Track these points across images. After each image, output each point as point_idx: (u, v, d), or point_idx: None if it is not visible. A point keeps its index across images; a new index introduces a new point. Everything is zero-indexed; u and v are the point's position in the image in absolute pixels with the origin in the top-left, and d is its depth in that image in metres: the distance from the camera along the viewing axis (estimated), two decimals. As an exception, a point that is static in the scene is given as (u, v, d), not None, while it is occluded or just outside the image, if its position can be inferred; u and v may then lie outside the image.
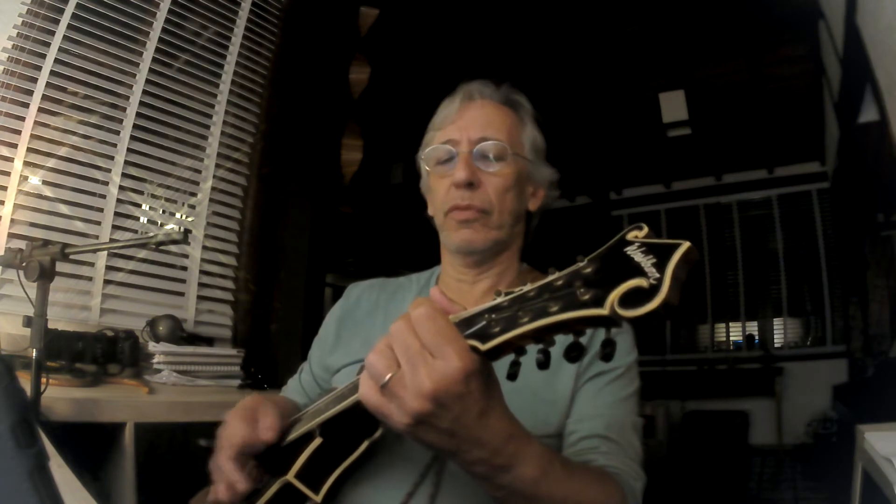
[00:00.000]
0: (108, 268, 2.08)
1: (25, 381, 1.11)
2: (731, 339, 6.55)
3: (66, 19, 2.03)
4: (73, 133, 2.04)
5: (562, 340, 0.48)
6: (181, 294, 2.30)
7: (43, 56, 1.99)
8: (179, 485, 0.93)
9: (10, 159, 1.90)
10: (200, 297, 2.34)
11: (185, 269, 2.33)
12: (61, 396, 1.41)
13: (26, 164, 1.93)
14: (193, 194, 2.37)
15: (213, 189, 2.42)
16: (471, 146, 0.88)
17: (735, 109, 5.23)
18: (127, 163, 2.16)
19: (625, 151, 6.16)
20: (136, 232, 2.18)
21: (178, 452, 1.63)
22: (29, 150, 1.93)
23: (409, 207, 1.09)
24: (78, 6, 2.05)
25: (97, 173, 2.10)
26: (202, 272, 2.35)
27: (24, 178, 1.93)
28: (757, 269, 6.46)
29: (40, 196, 1.96)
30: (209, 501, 0.74)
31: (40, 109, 1.96)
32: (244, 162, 2.55)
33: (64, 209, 2.01)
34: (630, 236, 0.45)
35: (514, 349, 0.51)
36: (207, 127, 2.42)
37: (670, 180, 6.82)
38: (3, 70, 1.91)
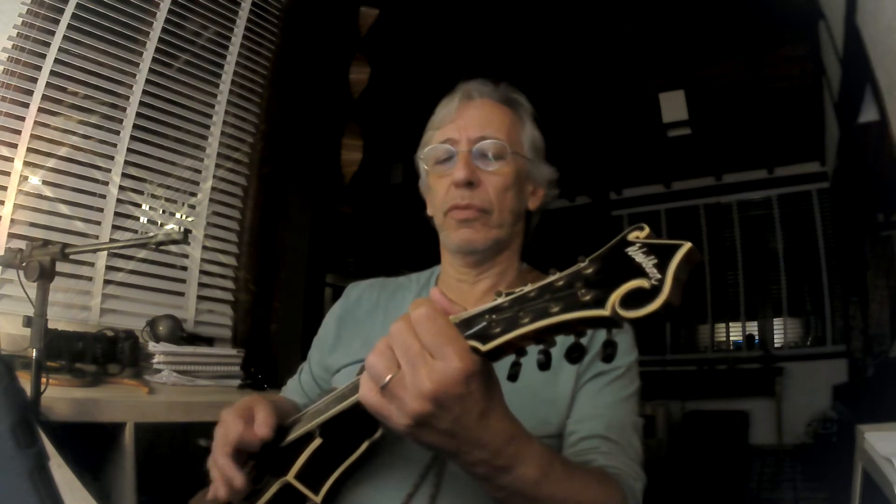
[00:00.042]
0: (108, 268, 2.08)
1: (25, 381, 1.11)
2: (731, 339, 6.55)
3: (66, 19, 2.03)
4: (73, 133, 2.04)
5: (562, 341, 0.48)
6: (181, 294, 2.30)
7: (43, 56, 1.99)
8: (179, 485, 0.92)
9: (10, 159, 1.90)
10: (200, 297, 2.34)
11: (185, 269, 2.33)
12: (61, 396, 1.41)
13: (26, 164, 1.93)
14: (193, 194, 2.37)
15: (213, 189, 2.42)
16: (470, 145, 0.88)
17: (735, 109, 5.23)
18: (127, 163, 2.16)
19: (625, 151, 6.16)
20: (136, 232, 2.18)
21: (178, 452, 1.64)
22: (29, 150, 1.93)
23: (409, 207, 1.09)
24: (78, 6, 2.05)
25: (97, 173, 2.10)
26: (202, 272, 2.35)
27: (24, 178, 1.93)
28: (757, 269, 6.46)
29: (40, 196, 1.96)
30: (208, 500, 0.74)
31: (40, 109, 1.96)
32: (244, 162, 2.55)
33: (64, 209, 2.01)
34: (631, 237, 0.45)
35: (515, 350, 0.50)
36: (207, 127, 2.42)
37: (670, 180, 6.82)
38: (3, 70, 1.91)
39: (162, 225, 2.35)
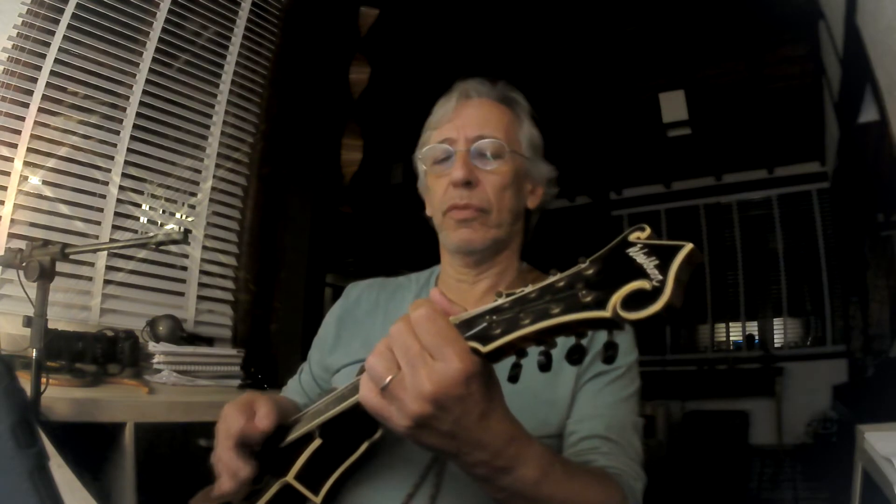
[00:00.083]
0: (108, 268, 2.08)
1: (25, 381, 1.11)
2: (731, 339, 6.55)
3: (66, 19, 2.03)
4: (73, 133, 2.04)
5: (563, 342, 0.48)
6: (181, 294, 2.30)
7: (43, 56, 1.98)
8: (179, 485, 0.92)
9: (10, 159, 1.90)
10: (200, 297, 2.34)
11: (185, 269, 2.33)
12: (61, 396, 1.41)
13: (26, 164, 1.93)
14: (193, 194, 2.37)
15: (213, 189, 2.42)
16: (468, 145, 0.88)
17: (735, 109, 5.23)
18: (127, 163, 2.16)
19: (625, 151, 6.16)
20: (136, 232, 2.17)
21: (178, 452, 1.64)
22: (29, 150, 1.93)
23: (409, 207, 1.09)
24: (78, 6, 2.05)
25: (97, 173, 2.09)
26: (202, 272, 2.35)
27: (24, 178, 1.93)
28: (757, 269, 6.46)
29: (40, 196, 1.96)
30: (213, 497, 0.74)
31: (40, 109, 1.96)
32: (244, 162, 2.55)
33: (64, 209, 2.01)
34: (632, 237, 0.45)
35: (516, 351, 0.50)
36: (207, 127, 2.42)
37: (670, 180, 6.82)
38: (3, 70, 1.91)
39: (162, 225, 2.35)
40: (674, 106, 4.97)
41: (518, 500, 0.58)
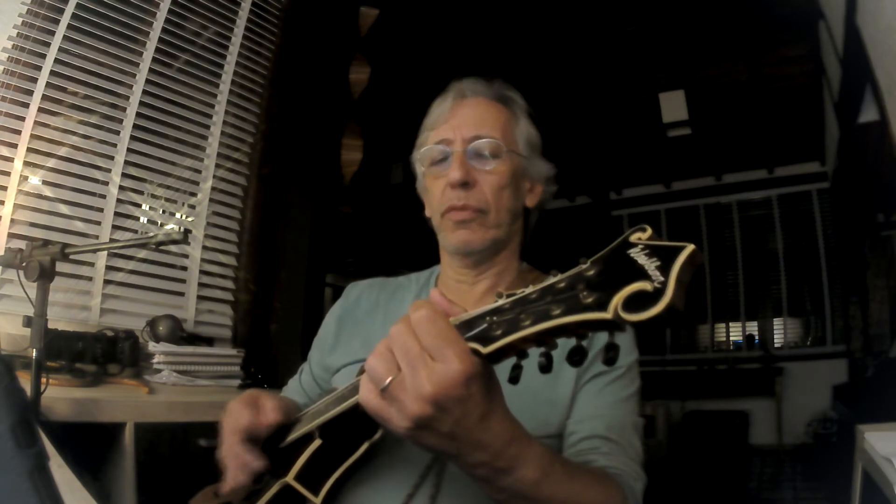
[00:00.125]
0: (108, 268, 2.08)
1: (25, 381, 1.11)
2: (731, 339, 6.55)
3: (66, 19, 2.03)
4: (73, 133, 2.04)
5: (563, 343, 0.48)
6: (181, 294, 2.30)
7: (43, 56, 1.98)
8: (179, 485, 0.92)
9: (10, 159, 1.90)
10: (200, 297, 2.34)
11: (185, 269, 2.33)
12: (61, 396, 1.42)
13: (26, 164, 1.93)
14: (193, 194, 2.37)
15: (213, 189, 2.42)
16: (465, 145, 0.87)
17: (735, 109, 5.23)
18: (127, 163, 2.16)
19: (625, 151, 6.16)
20: (136, 232, 2.18)
21: (178, 452, 1.64)
22: (29, 150, 1.93)
23: (409, 207, 1.09)
24: (78, 6, 2.05)
25: (97, 173, 2.09)
26: (202, 272, 2.35)
27: (24, 178, 1.93)
28: (757, 269, 6.46)
29: (40, 196, 1.96)
30: (224, 491, 0.75)
31: (40, 109, 1.96)
32: (244, 162, 2.55)
33: (64, 209, 2.01)
34: (633, 238, 0.45)
35: (516, 352, 0.50)
36: (207, 127, 2.42)
37: (670, 180, 6.82)
38: (3, 70, 1.91)
39: (162, 225, 2.35)
40: (674, 106, 4.97)
41: (518, 500, 0.58)
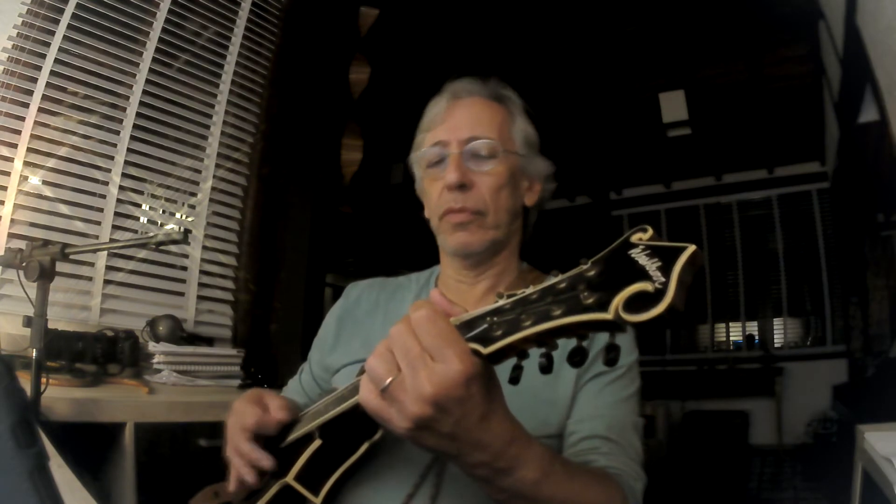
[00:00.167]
0: (108, 268, 2.08)
1: (25, 381, 1.11)
2: (731, 339, 6.55)
3: (66, 19, 2.03)
4: (73, 133, 2.04)
5: (563, 343, 0.48)
6: (181, 294, 2.30)
7: (43, 56, 1.98)
8: (179, 485, 0.92)
9: (10, 159, 1.90)
10: (200, 297, 2.34)
11: (185, 269, 2.33)
12: (61, 396, 1.42)
13: (26, 164, 1.93)
14: (193, 194, 2.37)
15: (213, 189, 2.42)
16: (460, 146, 0.87)
17: (735, 109, 5.23)
18: (127, 163, 2.16)
19: (625, 151, 6.16)
20: (136, 232, 2.18)
21: (178, 452, 1.63)
22: (29, 150, 1.93)
23: (409, 207, 1.08)
24: (78, 6, 2.05)
25: (97, 173, 2.09)
26: (202, 272, 2.35)
27: (24, 178, 1.93)
28: (757, 269, 6.46)
29: (40, 196, 1.96)
30: (226, 492, 0.75)
31: (40, 109, 1.96)
32: (244, 162, 2.55)
33: (64, 209, 2.01)
34: (634, 238, 0.45)
35: (517, 353, 0.50)
36: (207, 127, 2.42)
37: (670, 180, 6.82)
38: (3, 70, 1.91)
39: (162, 225, 2.35)
40: (674, 106, 4.97)
41: (518, 500, 0.58)
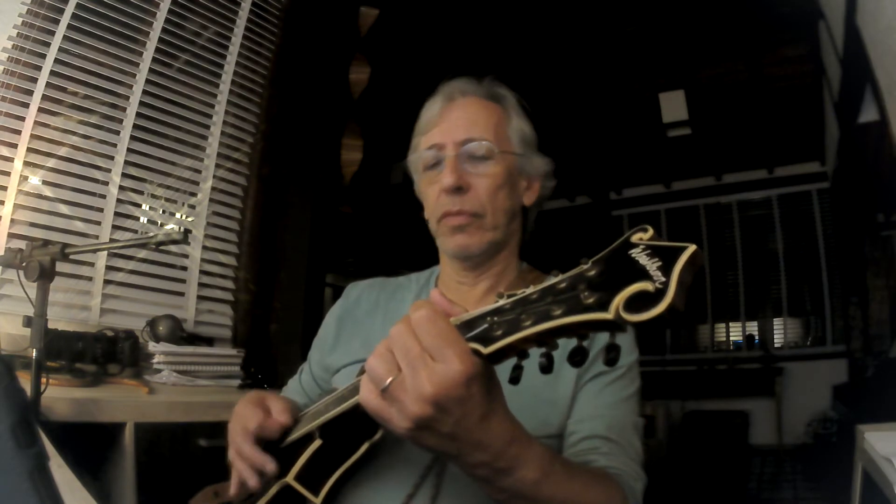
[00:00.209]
0: (108, 268, 2.08)
1: (25, 381, 1.11)
2: (731, 339, 6.55)
3: (66, 19, 2.03)
4: (73, 133, 2.04)
5: (564, 343, 0.48)
6: (181, 294, 2.30)
7: (43, 56, 1.98)
8: (179, 485, 0.93)
9: (10, 159, 1.90)
10: (200, 297, 2.34)
11: (185, 269, 2.33)
12: (61, 396, 1.41)
13: (26, 164, 1.93)
14: (193, 194, 2.37)
15: (213, 189, 2.41)
16: (456, 149, 0.86)
17: (735, 109, 5.23)
18: (127, 163, 2.16)
19: (625, 151, 6.16)
20: (136, 232, 2.17)
21: (178, 452, 1.63)
22: (29, 150, 1.93)
23: (409, 207, 1.08)
24: (78, 6, 2.05)
25: (97, 173, 2.09)
26: (202, 272, 2.35)
27: (24, 178, 1.93)
28: (757, 269, 6.46)
29: (40, 196, 1.96)
30: (232, 493, 0.75)
31: (40, 109, 1.96)
32: (244, 162, 2.55)
33: (64, 209, 2.00)
34: (634, 238, 0.45)
35: (517, 352, 0.50)
36: (207, 127, 2.42)
37: (670, 180, 6.82)
38: (3, 70, 1.91)
39: (162, 225, 2.35)
40: (674, 106, 4.97)
41: (519, 500, 0.58)
